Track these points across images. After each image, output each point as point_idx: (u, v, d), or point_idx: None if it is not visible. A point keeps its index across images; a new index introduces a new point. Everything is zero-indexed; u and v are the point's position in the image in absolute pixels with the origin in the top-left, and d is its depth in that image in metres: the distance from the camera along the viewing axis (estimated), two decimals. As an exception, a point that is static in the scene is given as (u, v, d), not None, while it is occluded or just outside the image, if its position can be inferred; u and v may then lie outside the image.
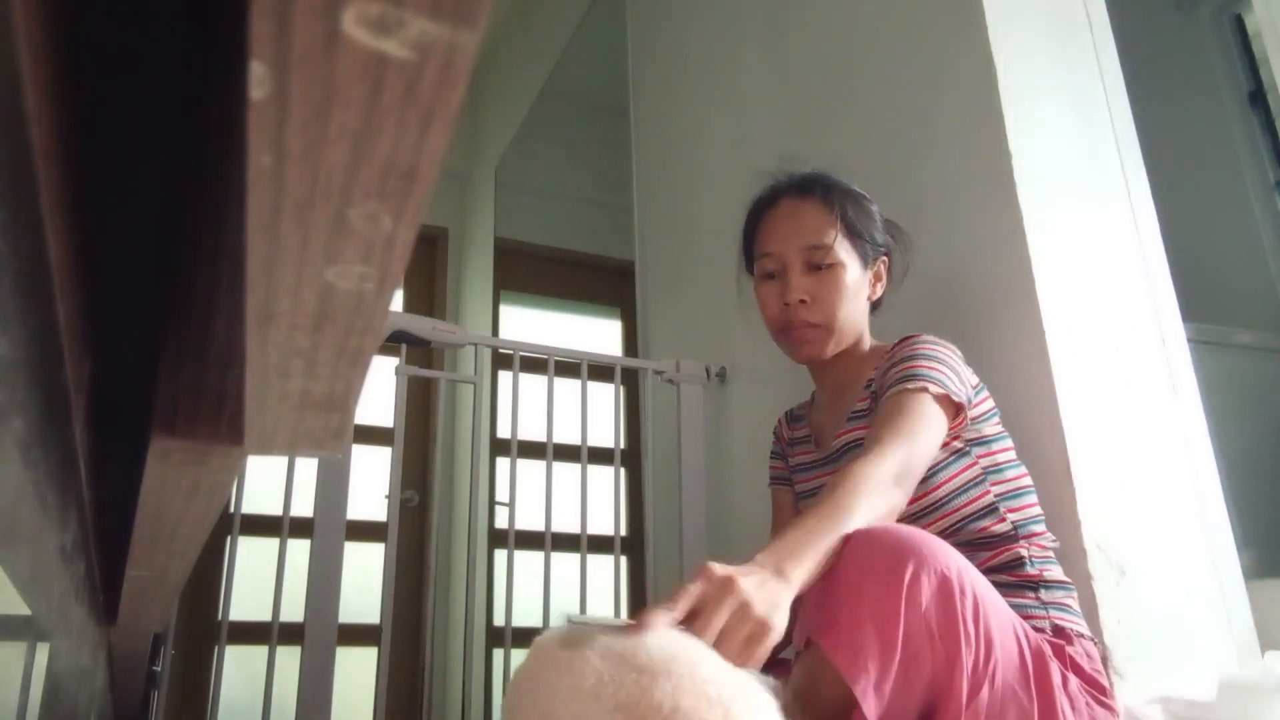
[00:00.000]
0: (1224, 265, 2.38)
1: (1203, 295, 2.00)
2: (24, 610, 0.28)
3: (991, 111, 1.40)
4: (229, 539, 1.62)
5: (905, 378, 1.08)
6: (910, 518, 1.08)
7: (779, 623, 0.79)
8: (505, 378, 3.29)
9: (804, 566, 0.85)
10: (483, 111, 4.27)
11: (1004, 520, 1.09)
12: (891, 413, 1.05)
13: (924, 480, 1.09)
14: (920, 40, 1.58)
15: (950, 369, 1.11)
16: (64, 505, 0.31)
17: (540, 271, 3.84)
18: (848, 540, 0.88)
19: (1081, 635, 1.04)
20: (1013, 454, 1.16)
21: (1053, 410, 1.25)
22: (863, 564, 0.85)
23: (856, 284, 1.22)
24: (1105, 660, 1.12)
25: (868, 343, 1.28)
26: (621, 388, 1.99)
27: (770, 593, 0.81)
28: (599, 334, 3.82)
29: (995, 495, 1.11)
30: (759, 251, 1.27)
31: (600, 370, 1.98)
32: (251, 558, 2.20)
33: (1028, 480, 1.15)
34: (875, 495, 0.93)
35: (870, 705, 0.80)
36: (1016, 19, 1.48)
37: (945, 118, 1.50)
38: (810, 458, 1.31)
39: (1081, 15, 1.57)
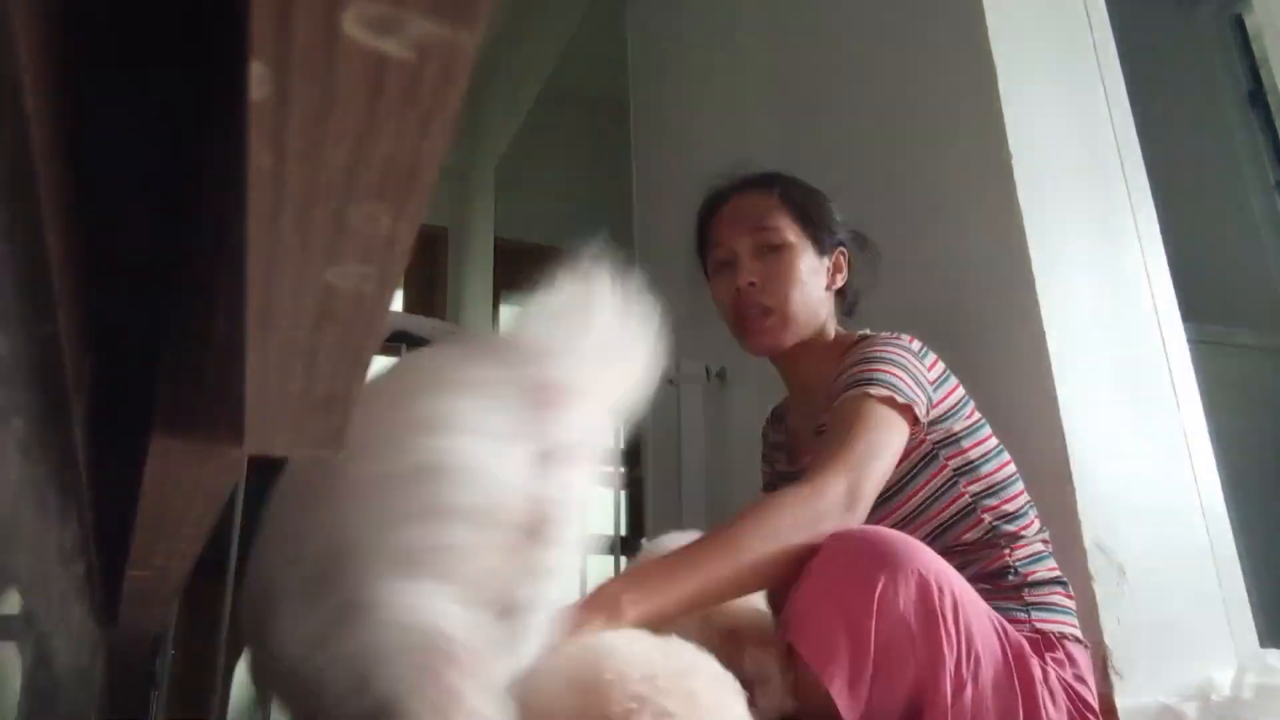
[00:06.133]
0: (1224, 265, 2.38)
1: (1203, 295, 2.00)
2: (24, 610, 0.28)
3: (991, 111, 1.40)
4: (228, 541, 1.62)
5: (855, 382, 1.04)
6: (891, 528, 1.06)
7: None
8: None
9: (646, 604, 0.83)
10: (483, 111, 4.27)
11: (981, 522, 1.06)
12: (838, 427, 1.00)
13: (895, 493, 1.06)
14: (920, 40, 1.58)
15: (903, 370, 1.05)
16: (64, 505, 0.31)
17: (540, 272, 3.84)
18: (825, 542, 0.87)
19: (1064, 637, 1.01)
20: (987, 446, 1.10)
21: (1053, 410, 1.25)
22: (839, 565, 0.85)
23: (810, 269, 1.18)
24: (1105, 662, 1.12)
25: (832, 334, 1.22)
26: (621, 388, 1.99)
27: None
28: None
29: (971, 495, 1.07)
30: (710, 244, 1.24)
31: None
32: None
33: (1009, 469, 1.10)
34: (793, 533, 0.90)
35: (845, 702, 0.80)
36: (1016, 19, 1.48)
37: (945, 118, 1.50)
38: (786, 469, 1.28)
39: (1081, 15, 1.57)
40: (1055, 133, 1.44)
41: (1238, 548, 1.37)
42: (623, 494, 1.97)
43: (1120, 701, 1.11)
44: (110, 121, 0.30)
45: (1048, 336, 1.28)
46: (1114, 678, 1.12)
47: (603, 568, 1.92)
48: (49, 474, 0.28)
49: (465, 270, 4.28)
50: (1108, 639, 1.15)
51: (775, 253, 1.18)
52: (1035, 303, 1.30)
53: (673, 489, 1.95)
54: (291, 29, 0.15)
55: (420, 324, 1.69)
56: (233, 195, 0.21)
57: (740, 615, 0.96)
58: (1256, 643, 1.31)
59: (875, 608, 0.81)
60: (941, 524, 1.07)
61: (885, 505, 1.07)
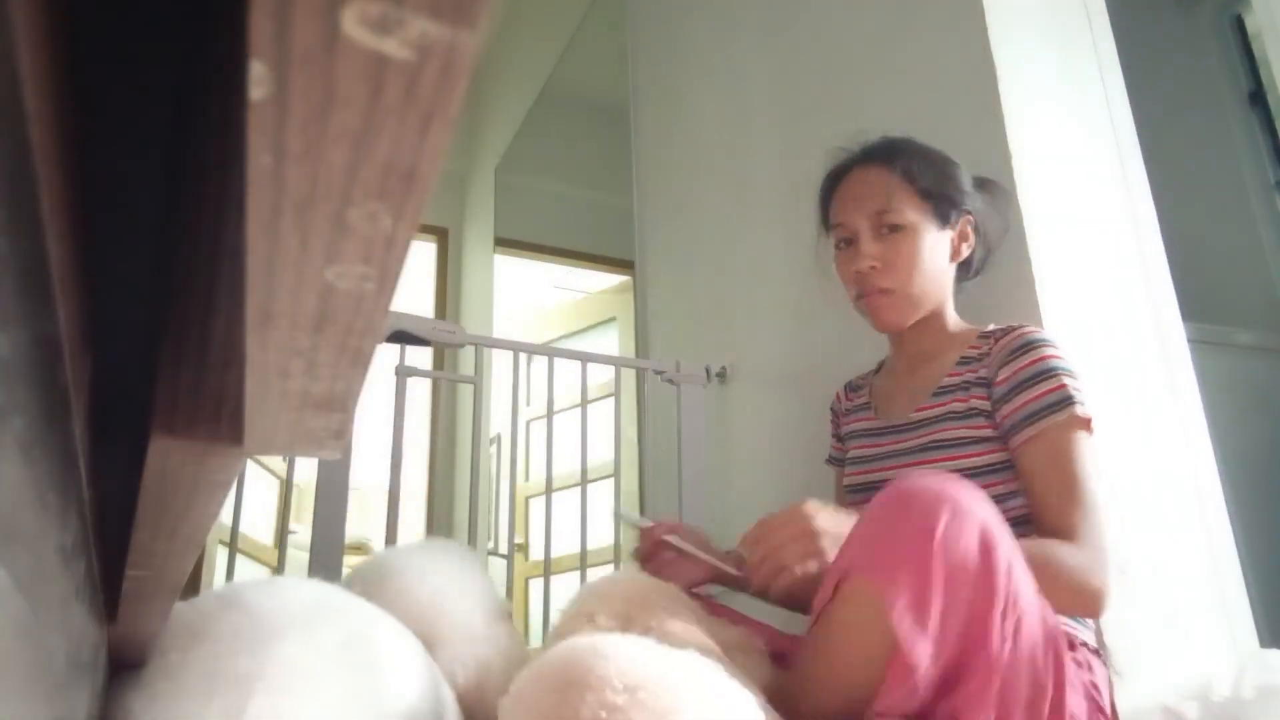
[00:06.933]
0: (1224, 265, 2.38)
1: (1203, 295, 2.00)
2: (24, 610, 0.28)
3: (991, 111, 1.40)
4: (228, 545, 1.62)
5: (1057, 403, 1.06)
6: None
7: (829, 549, 0.91)
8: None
9: None
10: (483, 111, 4.27)
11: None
12: (1062, 465, 1.04)
13: (981, 474, 1.10)
14: (920, 41, 1.58)
15: (1076, 377, 1.10)
16: (64, 505, 0.31)
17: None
18: (886, 489, 0.87)
19: (1085, 644, 1.03)
20: None
21: (1053, 410, 1.25)
22: (904, 507, 0.83)
23: (932, 246, 1.19)
24: (1105, 662, 1.12)
25: (953, 315, 1.25)
26: (618, 396, 1.99)
27: (838, 524, 0.93)
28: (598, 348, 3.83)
29: None
30: (831, 223, 1.27)
31: (604, 391, 1.98)
32: (251, 565, 2.19)
33: None
34: (1065, 571, 0.96)
35: (907, 628, 0.78)
36: (1016, 19, 1.48)
37: (945, 118, 1.50)
38: (868, 424, 1.28)
39: (1081, 15, 1.57)
40: (1055, 132, 1.44)
41: (1238, 548, 1.37)
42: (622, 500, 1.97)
43: (1120, 702, 1.11)
44: (110, 121, 0.30)
45: (1048, 336, 1.28)
46: (1114, 678, 1.12)
47: (601, 569, 1.93)
48: (49, 474, 0.28)
49: (465, 270, 4.28)
50: (1108, 639, 1.16)
51: (896, 234, 1.19)
52: (1035, 303, 1.30)
53: (673, 489, 1.95)
54: (291, 29, 0.15)
55: (420, 324, 1.69)
56: (232, 195, 0.21)
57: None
58: (1256, 643, 1.31)
59: (939, 541, 0.80)
60: (1011, 520, 1.08)
61: (975, 479, 1.09)
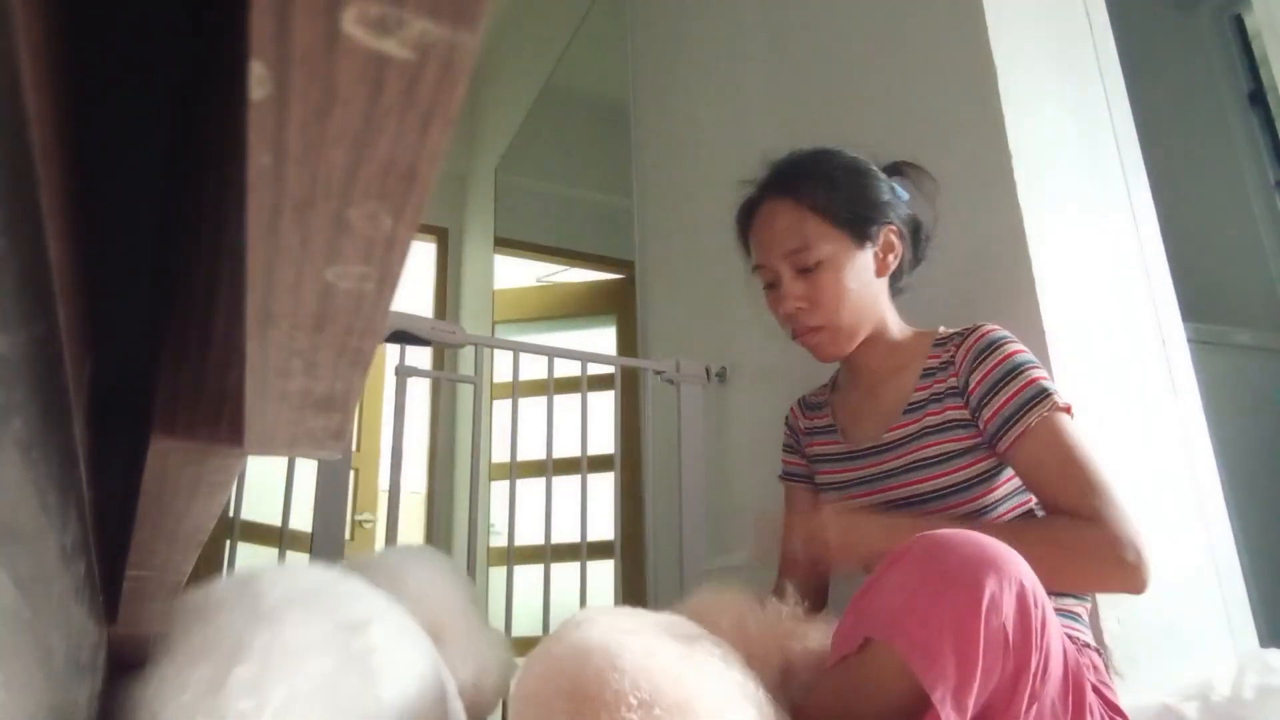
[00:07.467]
0: (1224, 265, 2.38)
1: (1203, 295, 2.01)
2: (24, 610, 0.28)
3: (991, 111, 1.40)
4: (228, 544, 1.62)
5: (1033, 398, 1.05)
6: (960, 519, 1.07)
7: (844, 551, 1.04)
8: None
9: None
10: (483, 111, 4.28)
11: None
12: (1059, 457, 1.02)
13: (977, 483, 1.09)
14: (920, 41, 1.58)
15: (1042, 368, 1.09)
16: (64, 505, 0.31)
17: (535, 297, 3.84)
18: (916, 542, 0.85)
19: (1088, 645, 1.03)
20: None
21: (1053, 410, 1.25)
22: (941, 569, 0.81)
23: (854, 271, 1.17)
24: (1105, 662, 1.12)
25: (896, 325, 1.23)
26: (618, 395, 1.99)
27: (856, 528, 1.04)
28: (596, 346, 3.83)
29: (1035, 503, 1.09)
30: (753, 263, 1.25)
31: (597, 381, 1.98)
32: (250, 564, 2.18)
33: None
34: (1083, 555, 0.96)
35: (949, 712, 0.76)
36: (1016, 19, 1.48)
37: (945, 118, 1.50)
38: (838, 449, 1.25)
39: (1081, 15, 1.57)
40: (1055, 133, 1.44)
41: (1238, 548, 1.37)
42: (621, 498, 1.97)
43: (1120, 702, 1.11)
44: (110, 121, 0.30)
45: (1047, 336, 1.28)
46: (1114, 678, 1.13)
47: (602, 570, 1.93)
48: (49, 474, 0.28)
49: (465, 270, 4.28)
50: (1108, 639, 1.16)
51: (815, 271, 1.17)
52: (1035, 303, 1.30)
53: (673, 489, 1.95)
54: (291, 29, 0.15)
55: (420, 324, 1.69)
56: (233, 195, 0.21)
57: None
58: (1256, 643, 1.31)
59: (984, 616, 0.78)
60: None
61: (964, 493, 1.09)
